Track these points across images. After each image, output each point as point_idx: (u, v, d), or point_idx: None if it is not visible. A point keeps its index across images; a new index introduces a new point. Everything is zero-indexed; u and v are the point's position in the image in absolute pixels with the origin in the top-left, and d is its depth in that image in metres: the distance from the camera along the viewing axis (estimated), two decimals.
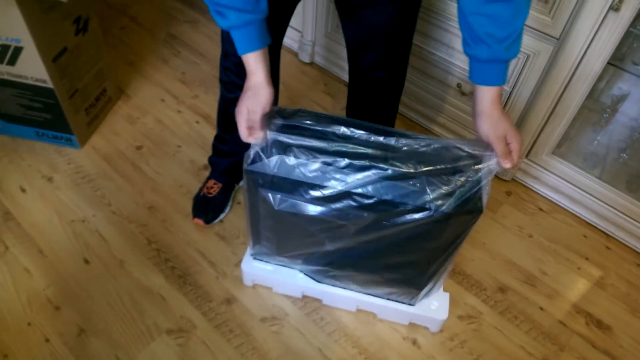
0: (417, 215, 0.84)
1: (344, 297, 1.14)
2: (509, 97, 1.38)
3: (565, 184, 1.42)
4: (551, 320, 1.20)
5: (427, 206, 0.83)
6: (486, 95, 0.82)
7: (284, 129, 0.87)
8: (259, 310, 1.17)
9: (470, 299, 1.22)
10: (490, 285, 1.26)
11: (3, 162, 1.43)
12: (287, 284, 1.16)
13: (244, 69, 0.87)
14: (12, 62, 1.25)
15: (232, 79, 1.11)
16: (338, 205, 0.87)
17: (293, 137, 0.86)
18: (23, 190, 1.37)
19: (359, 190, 0.85)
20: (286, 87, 1.76)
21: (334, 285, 1.13)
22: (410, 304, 1.11)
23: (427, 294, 1.09)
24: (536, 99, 1.32)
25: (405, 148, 0.86)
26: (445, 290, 1.15)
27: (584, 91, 1.24)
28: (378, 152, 0.85)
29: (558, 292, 1.26)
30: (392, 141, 0.86)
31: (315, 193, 0.86)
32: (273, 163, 0.87)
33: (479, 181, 0.83)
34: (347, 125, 0.87)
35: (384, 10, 1.00)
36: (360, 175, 0.84)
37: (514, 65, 1.32)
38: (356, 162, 0.84)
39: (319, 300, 1.19)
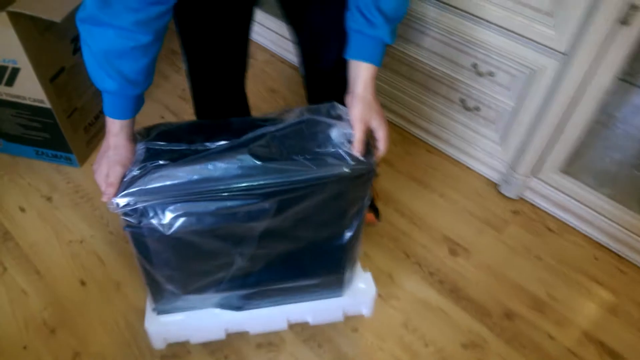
0: (315, 183, 0.82)
1: (272, 315, 1.07)
2: (514, 111, 1.34)
3: (575, 203, 1.37)
4: (560, 349, 1.15)
5: (327, 174, 0.81)
6: (362, 74, 0.82)
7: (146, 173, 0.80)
8: None
9: (475, 326, 1.17)
10: (495, 311, 1.21)
11: (3, 181, 1.43)
12: (207, 327, 1.06)
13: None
14: (10, 82, 1.25)
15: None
16: (234, 203, 0.81)
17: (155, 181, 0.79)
18: (22, 210, 1.37)
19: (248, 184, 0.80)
20: (284, 99, 1.75)
21: (257, 307, 1.05)
22: (339, 294, 1.07)
23: (350, 279, 1.06)
24: (543, 115, 1.27)
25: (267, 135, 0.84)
26: (452, 317, 1.10)
27: (593, 107, 1.20)
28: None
29: (568, 319, 1.20)
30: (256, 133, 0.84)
31: (201, 189, 0.80)
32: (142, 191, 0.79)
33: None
34: (209, 134, 0.84)
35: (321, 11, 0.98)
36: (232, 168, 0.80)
37: (519, 79, 1.28)
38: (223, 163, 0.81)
39: (246, 333, 1.11)
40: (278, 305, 1.06)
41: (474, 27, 1.28)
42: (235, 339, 1.12)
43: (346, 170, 0.80)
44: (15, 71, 1.22)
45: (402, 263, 1.30)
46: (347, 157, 0.80)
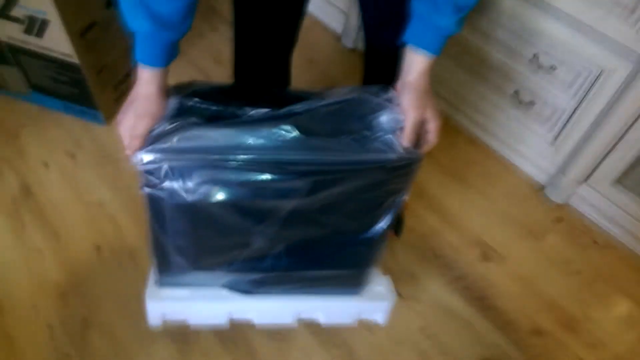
0: (359, 167, 0.76)
1: (281, 308, 1.01)
2: (573, 112, 1.21)
3: (626, 217, 1.25)
4: None
5: (373, 158, 0.75)
6: (418, 64, 0.75)
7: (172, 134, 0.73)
8: None
9: (499, 339, 1.10)
10: (524, 325, 1.13)
11: (31, 133, 1.41)
12: (210, 310, 1.00)
13: None
14: (40, 34, 1.20)
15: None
16: (267, 176, 0.75)
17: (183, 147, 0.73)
18: (46, 165, 1.34)
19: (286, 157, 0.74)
20: (323, 72, 1.64)
21: (267, 294, 0.99)
22: (355, 293, 1.01)
23: (369, 278, 1.00)
24: (605, 121, 1.14)
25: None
26: (475, 327, 1.03)
27: None
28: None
29: (602, 342, 1.11)
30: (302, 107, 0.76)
31: (233, 162, 0.74)
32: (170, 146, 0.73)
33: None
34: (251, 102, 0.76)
35: None
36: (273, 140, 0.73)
37: (583, 78, 1.15)
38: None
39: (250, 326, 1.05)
40: (289, 295, 1.00)
41: (541, 15, 1.14)
42: (245, 328, 1.09)
43: (392, 157, 0.74)
44: (44, 23, 1.16)
45: (428, 263, 1.22)
46: (396, 144, 0.74)
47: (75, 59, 1.24)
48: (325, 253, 0.92)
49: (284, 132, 0.73)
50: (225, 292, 0.98)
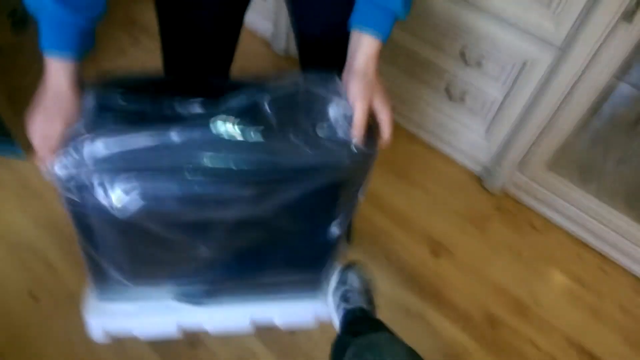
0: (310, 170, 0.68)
1: (235, 313, 0.95)
2: (501, 103, 1.26)
3: (560, 201, 1.32)
4: (543, 356, 1.12)
5: (325, 161, 0.68)
6: (365, 48, 0.70)
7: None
8: None
9: (457, 335, 1.13)
10: (478, 317, 1.16)
11: None
12: (157, 321, 0.93)
13: None
14: None
15: None
16: (204, 186, 0.65)
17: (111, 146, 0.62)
18: None
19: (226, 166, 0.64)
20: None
21: (220, 303, 0.93)
22: (313, 297, 0.98)
23: (326, 280, 0.98)
24: (531, 110, 1.20)
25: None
26: (432, 323, 1.05)
27: (586, 106, 1.13)
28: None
29: (550, 324, 1.17)
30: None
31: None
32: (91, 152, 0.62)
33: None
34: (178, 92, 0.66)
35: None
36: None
37: (509, 71, 1.19)
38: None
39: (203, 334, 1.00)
40: (244, 302, 0.94)
41: (464, 13, 1.17)
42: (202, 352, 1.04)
43: (345, 158, 0.68)
44: None
45: (381, 264, 1.23)
46: (348, 143, 0.68)
47: None
48: (279, 257, 0.87)
49: (219, 133, 0.63)
50: (173, 303, 0.91)
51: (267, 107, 0.67)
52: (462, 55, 1.24)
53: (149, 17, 1.74)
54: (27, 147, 1.31)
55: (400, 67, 1.40)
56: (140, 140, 0.61)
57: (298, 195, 0.71)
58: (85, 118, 0.63)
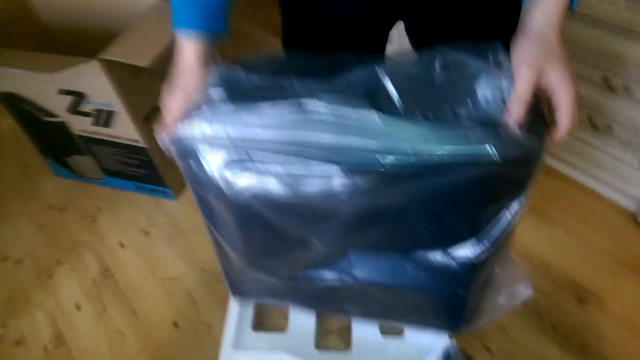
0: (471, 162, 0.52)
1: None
2: None
3: None
4: None
5: (461, 153, 0.50)
6: (547, 2, 0.51)
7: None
8: None
9: None
10: None
11: (105, 216, 1.48)
12: None
13: None
14: (107, 124, 1.28)
15: None
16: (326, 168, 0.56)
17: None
18: (122, 246, 1.40)
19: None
20: None
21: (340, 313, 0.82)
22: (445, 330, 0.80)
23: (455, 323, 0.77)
24: None
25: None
26: None
27: None
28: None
29: None
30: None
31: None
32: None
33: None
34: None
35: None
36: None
37: None
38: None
39: None
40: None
41: (609, 38, 1.06)
42: None
43: (490, 152, 0.49)
44: (111, 114, 1.24)
45: (518, 312, 1.12)
46: (497, 125, 0.50)
47: (142, 143, 1.30)
48: (405, 268, 0.71)
49: (361, 114, 0.53)
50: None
51: (390, 84, 0.55)
52: (606, 80, 1.12)
53: None
54: (177, 191, 1.48)
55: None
56: (253, 118, 0.58)
57: (423, 193, 0.56)
58: (207, 92, 0.62)
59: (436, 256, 0.65)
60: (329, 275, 0.73)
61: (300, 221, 0.64)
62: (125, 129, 1.27)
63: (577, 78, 1.16)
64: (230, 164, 0.61)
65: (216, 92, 0.61)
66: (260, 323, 1.15)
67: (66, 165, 1.52)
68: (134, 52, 1.10)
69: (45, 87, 1.23)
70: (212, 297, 1.24)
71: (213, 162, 0.62)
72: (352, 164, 0.54)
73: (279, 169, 0.58)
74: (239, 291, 0.87)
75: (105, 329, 1.22)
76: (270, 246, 0.71)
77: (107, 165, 1.44)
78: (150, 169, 1.39)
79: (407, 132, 0.51)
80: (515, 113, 0.49)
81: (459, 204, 0.58)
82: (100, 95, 1.20)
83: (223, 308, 1.20)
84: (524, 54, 0.50)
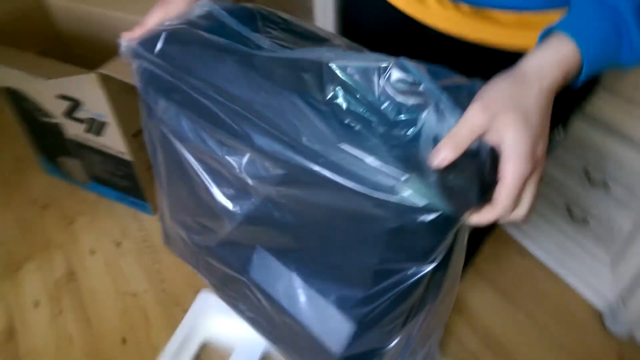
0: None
1: None
2: (631, 233, 1.08)
3: None
4: None
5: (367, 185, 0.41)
6: (547, 48, 0.42)
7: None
8: None
9: None
10: None
11: (84, 220, 1.50)
12: None
13: None
14: (98, 133, 1.31)
15: None
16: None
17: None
18: (92, 253, 1.41)
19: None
20: None
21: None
22: None
23: None
24: None
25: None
26: None
27: None
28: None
29: None
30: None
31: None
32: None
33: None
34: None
35: None
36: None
37: None
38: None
39: None
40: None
41: (592, 131, 1.06)
42: None
43: (389, 195, 0.39)
44: (103, 124, 1.28)
45: None
46: (410, 167, 0.39)
47: (128, 157, 1.33)
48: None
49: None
50: None
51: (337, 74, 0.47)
52: (586, 172, 1.12)
53: None
54: (156, 207, 1.50)
55: None
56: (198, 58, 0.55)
57: (327, 213, 0.47)
58: (179, 20, 0.60)
59: (320, 294, 0.53)
60: (230, 261, 0.64)
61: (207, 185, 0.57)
62: (114, 141, 1.31)
63: (559, 165, 1.16)
64: (160, 87, 0.58)
65: (185, 25, 0.59)
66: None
67: (56, 165, 1.56)
68: (130, 70, 1.14)
69: (45, 89, 1.28)
70: (165, 320, 1.25)
71: (150, 87, 0.60)
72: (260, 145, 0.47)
73: (192, 116, 0.54)
74: (167, 241, 0.80)
75: (57, 331, 1.23)
76: (185, 198, 0.64)
77: (94, 171, 1.48)
78: (133, 182, 1.41)
79: (317, 129, 0.44)
80: (440, 153, 0.39)
81: (346, 238, 0.48)
82: (95, 105, 1.24)
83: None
84: (488, 89, 0.42)
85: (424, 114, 0.42)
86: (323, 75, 0.47)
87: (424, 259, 0.43)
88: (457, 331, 1.20)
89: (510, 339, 1.19)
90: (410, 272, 0.44)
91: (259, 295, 0.63)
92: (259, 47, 0.53)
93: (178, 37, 0.57)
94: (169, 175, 0.66)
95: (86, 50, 1.51)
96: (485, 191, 0.40)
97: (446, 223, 0.40)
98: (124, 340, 1.21)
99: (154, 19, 0.62)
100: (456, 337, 1.19)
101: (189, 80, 0.53)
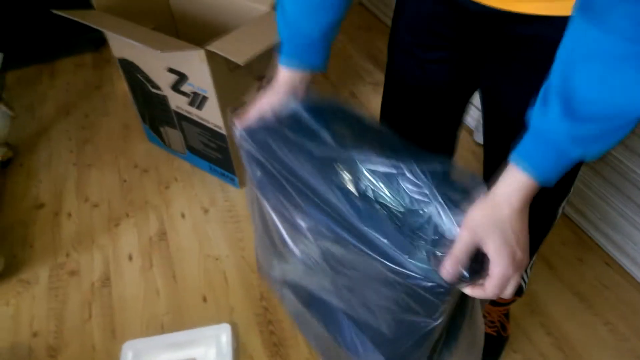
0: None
1: None
2: None
3: None
4: None
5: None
6: (510, 180, 0.52)
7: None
8: None
9: None
10: None
11: (179, 186, 1.63)
12: None
13: None
14: (200, 107, 1.42)
15: None
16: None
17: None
18: (183, 216, 1.53)
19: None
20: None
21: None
22: None
23: None
24: None
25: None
26: None
27: None
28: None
29: None
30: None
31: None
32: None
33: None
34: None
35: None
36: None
37: None
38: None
39: None
40: None
41: None
42: None
43: (416, 282, 0.55)
44: (204, 98, 1.38)
45: None
46: (430, 270, 0.54)
47: (223, 130, 1.43)
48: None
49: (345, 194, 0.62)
50: None
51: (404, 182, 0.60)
52: None
53: (367, 97, 1.96)
54: (242, 181, 1.59)
55: (606, 178, 1.25)
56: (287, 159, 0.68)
57: (361, 272, 0.63)
58: (273, 116, 0.72)
59: (361, 331, 0.71)
60: (296, 296, 0.81)
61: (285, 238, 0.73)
62: (212, 114, 1.41)
63: None
64: (257, 164, 0.72)
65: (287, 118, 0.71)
66: None
67: (158, 134, 1.70)
68: (235, 49, 1.23)
69: (157, 62, 1.41)
70: (242, 284, 1.33)
71: (251, 161, 0.73)
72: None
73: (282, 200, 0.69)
74: (259, 269, 0.94)
75: (146, 283, 1.35)
76: (267, 240, 0.80)
77: (191, 142, 1.60)
78: (224, 155, 1.51)
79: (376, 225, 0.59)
80: (445, 269, 0.52)
81: (378, 293, 0.64)
82: (199, 80, 1.34)
83: (248, 298, 1.29)
84: (471, 216, 0.53)
85: (429, 208, 0.57)
86: (357, 173, 0.65)
87: (431, 314, 0.58)
88: (529, 330, 1.18)
89: (585, 345, 1.15)
90: (422, 323, 0.59)
91: (319, 326, 0.80)
92: (324, 144, 0.68)
93: (269, 133, 0.71)
94: (259, 222, 0.81)
95: (194, 30, 1.64)
96: (472, 274, 0.53)
97: (443, 291, 0.55)
98: (204, 298, 1.31)
99: (262, 106, 0.72)
100: (527, 336, 1.17)
101: (274, 164, 0.70)
